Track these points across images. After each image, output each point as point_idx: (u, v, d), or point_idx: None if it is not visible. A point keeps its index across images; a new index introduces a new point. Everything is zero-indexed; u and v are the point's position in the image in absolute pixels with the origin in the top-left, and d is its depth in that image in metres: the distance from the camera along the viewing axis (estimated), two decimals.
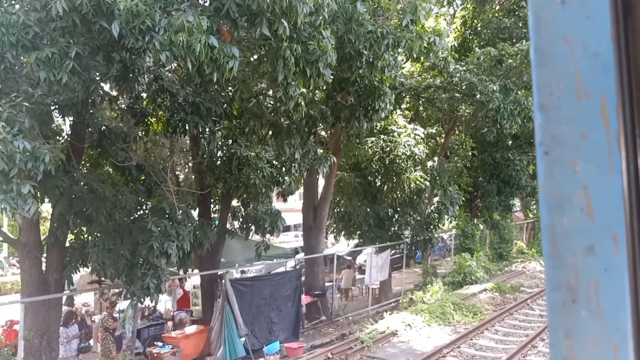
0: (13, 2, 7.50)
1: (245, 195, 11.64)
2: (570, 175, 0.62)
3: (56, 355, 9.66)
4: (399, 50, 9.87)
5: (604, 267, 0.60)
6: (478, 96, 14.64)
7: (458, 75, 14.79)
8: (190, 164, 13.45)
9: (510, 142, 21.44)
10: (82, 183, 8.87)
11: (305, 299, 14.30)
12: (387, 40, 9.06)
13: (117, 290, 10.59)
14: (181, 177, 14.18)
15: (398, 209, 17.46)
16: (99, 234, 9.00)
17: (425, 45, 9.73)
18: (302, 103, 9.02)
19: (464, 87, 15.09)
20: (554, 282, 0.62)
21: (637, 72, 0.61)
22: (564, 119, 0.62)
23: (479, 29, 19.72)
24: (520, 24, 18.31)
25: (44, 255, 9.52)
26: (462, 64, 15.49)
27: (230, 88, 11.08)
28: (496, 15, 19.35)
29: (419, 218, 17.89)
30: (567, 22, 0.63)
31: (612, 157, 0.60)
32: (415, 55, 9.95)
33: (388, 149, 15.93)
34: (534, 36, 0.65)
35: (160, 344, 10.82)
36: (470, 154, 21.85)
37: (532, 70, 0.65)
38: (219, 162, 11.31)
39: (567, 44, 0.62)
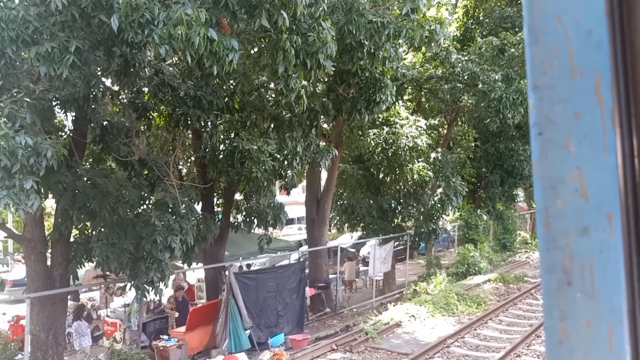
0: None
1: (247, 189, 11.65)
2: (564, 155, 0.61)
3: (62, 349, 9.74)
4: (400, 41, 9.81)
5: (599, 248, 0.59)
6: (480, 86, 14.56)
7: (460, 65, 14.70)
8: (192, 158, 13.46)
9: (513, 133, 21.34)
10: (85, 178, 8.89)
11: (309, 291, 14.35)
12: (387, 30, 9.00)
13: (121, 284, 10.65)
14: (184, 171, 14.20)
15: (401, 200, 17.44)
16: (102, 229, 9.03)
17: (427, 34, 9.66)
18: (304, 95, 8.98)
19: (466, 77, 15.00)
20: (549, 264, 0.62)
21: (632, 48, 0.59)
22: (558, 99, 0.61)
23: (481, 18, 19.57)
24: None
25: (49, 250, 9.56)
26: (464, 53, 15.39)
27: (231, 81, 11.05)
28: (498, 4, 19.20)
29: (422, 209, 17.87)
30: (560, 0, 0.61)
31: (606, 137, 0.59)
32: (416, 45, 9.89)
33: (390, 140, 15.88)
34: (527, 15, 0.64)
35: (165, 337, 10.89)
36: (473, 144, 21.77)
37: (526, 50, 0.64)
38: (221, 156, 11.30)
39: (560, 22, 0.61)
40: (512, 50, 14.70)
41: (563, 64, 0.61)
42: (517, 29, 16.88)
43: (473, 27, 19.45)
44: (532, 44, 0.63)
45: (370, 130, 16.06)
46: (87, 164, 10.59)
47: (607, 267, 0.59)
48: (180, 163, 13.66)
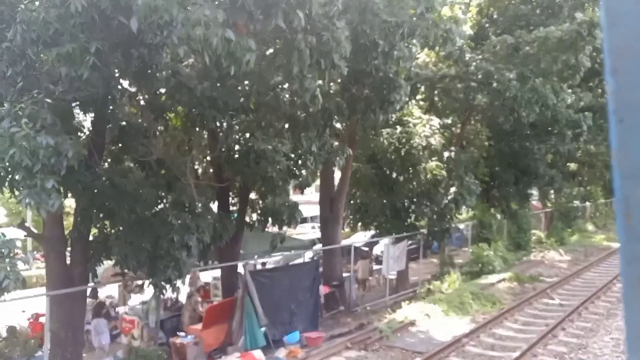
0: None
1: (263, 188, 11.73)
2: None
3: (81, 346, 9.88)
4: (414, 40, 9.78)
5: None
6: (494, 85, 14.47)
7: (474, 64, 14.64)
8: (208, 158, 13.57)
9: (527, 131, 21.14)
10: (104, 178, 9.01)
11: (323, 290, 14.38)
12: (402, 29, 9.00)
13: (139, 282, 10.78)
14: (200, 170, 14.32)
15: (414, 199, 17.39)
16: (121, 228, 9.15)
17: (442, 33, 9.64)
18: (319, 95, 9.02)
19: (479, 76, 14.93)
20: (630, 255, 0.57)
21: None
22: None
23: (495, 17, 19.43)
24: (538, 11, 18.00)
25: (68, 249, 9.71)
26: (478, 52, 15.31)
27: (246, 82, 11.13)
28: (512, 2, 19.05)
29: (435, 208, 17.80)
30: None
31: None
32: (431, 44, 9.87)
33: (404, 140, 15.85)
34: None
35: (183, 334, 11.00)
36: (486, 143, 21.63)
37: (603, 32, 0.60)
38: (236, 156, 11.39)
39: None
40: (527, 48, 14.59)
41: None
42: (531, 27, 16.73)
43: (487, 25, 19.34)
44: (610, 26, 0.58)
45: (383, 130, 16.04)
46: (106, 164, 10.73)
47: None
48: (197, 163, 13.78)
